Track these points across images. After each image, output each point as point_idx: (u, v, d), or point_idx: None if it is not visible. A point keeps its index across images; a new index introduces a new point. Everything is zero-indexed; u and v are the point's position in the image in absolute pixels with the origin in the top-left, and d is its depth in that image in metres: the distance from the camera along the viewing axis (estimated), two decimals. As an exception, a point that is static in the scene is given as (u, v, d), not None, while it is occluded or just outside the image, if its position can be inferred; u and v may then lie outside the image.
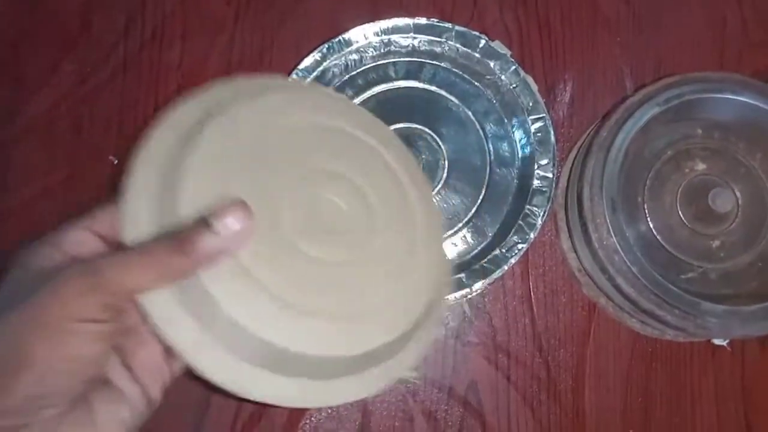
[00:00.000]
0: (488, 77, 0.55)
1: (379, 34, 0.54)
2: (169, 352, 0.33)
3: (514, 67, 0.54)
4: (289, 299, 0.30)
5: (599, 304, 0.53)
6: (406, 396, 0.52)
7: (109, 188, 0.54)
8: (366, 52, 0.55)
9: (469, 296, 0.51)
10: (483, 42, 0.54)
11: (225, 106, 0.34)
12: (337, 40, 0.54)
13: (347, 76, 0.55)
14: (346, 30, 0.54)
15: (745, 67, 0.54)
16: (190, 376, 0.31)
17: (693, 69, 0.51)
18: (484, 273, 0.51)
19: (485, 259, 0.52)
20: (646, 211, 0.51)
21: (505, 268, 0.51)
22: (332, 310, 0.32)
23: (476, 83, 0.55)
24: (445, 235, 0.54)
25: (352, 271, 0.34)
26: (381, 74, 0.56)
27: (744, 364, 0.52)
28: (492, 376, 0.52)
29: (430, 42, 0.55)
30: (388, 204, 0.36)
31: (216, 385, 0.30)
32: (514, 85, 0.54)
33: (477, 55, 0.54)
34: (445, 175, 0.54)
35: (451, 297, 0.50)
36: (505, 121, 0.55)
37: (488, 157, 0.55)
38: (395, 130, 0.55)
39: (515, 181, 0.54)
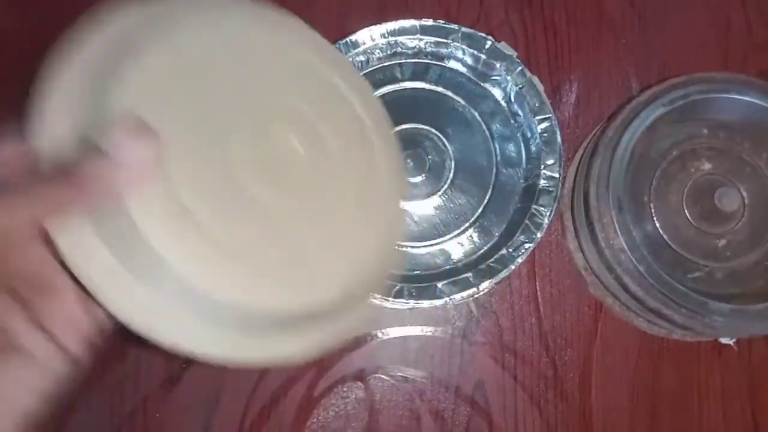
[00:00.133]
0: (494, 78, 0.55)
1: (386, 35, 0.55)
2: (88, 298, 0.28)
3: (520, 68, 0.54)
4: (224, 241, 0.27)
5: (606, 304, 0.53)
6: (413, 395, 0.52)
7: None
8: (373, 53, 0.55)
9: (476, 296, 0.51)
10: (489, 43, 0.54)
11: (176, 16, 0.30)
12: (344, 41, 0.54)
13: (354, 78, 0.56)
14: (353, 32, 0.54)
15: (749, 67, 0.54)
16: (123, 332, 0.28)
17: (698, 70, 0.51)
18: (491, 272, 0.51)
19: (492, 259, 0.52)
20: (653, 210, 0.51)
21: (512, 267, 0.51)
22: (272, 260, 0.29)
23: (482, 84, 0.56)
24: (452, 235, 0.54)
25: (300, 222, 0.31)
26: (388, 75, 0.56)
27: (751, 363, 0.52)
28: (499, 376, 0.53)
29: (437, 43, 0.55)
30: (349, 157, 0.34)
31: (131, 330, 0.27)
32: (521, 86, 0.54)
33: (483, 56, 0.55)
34: (451, 175, 0.55)
35: (458, 296, 0.51)
36: (512, 121, 0.55)
37: (495, 158, 0.55)
38: (402, 130, 0.55)
39: (521, 181, 0.55)
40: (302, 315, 0.29)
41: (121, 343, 0.53)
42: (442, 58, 0.56)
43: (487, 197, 0.55)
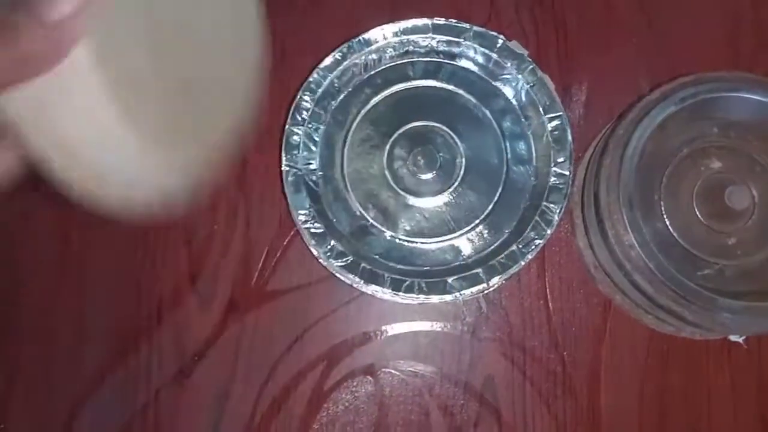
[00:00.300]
0: (505, 76, 0.56)
1: (398, 34, 0.55)
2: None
3: (531, 67, 0.55)
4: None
5: (615, 301, 0.53)
6: (423, 390, 0.53)
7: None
8: (385, 51, 0.56)
9: (486, 292, 0.52)
10: (500, 42, 0.55)
11: None
12: (356, 40, 0.55)
13: (366, 76, 0.56)
14: (366, 30, 0.55)
15: (759, 66, 0.54)
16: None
17: (708, 69, 0.51)
18: (501, 269, 0.51)
19: (502, 255, 0.52)
20: (663, 208, 0.51)
21: (522, 264, 0.51)
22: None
23: (493, 83, 0.56)
24: (462, 231, 0.54)
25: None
26: (400, 73, 0.57)
27: (761, 360, 0.52)
28: (508, 372, 0.53)
29: (448, 42, 0.56)
30: None
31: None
32: (531, 84, 0.54)
33: (494, 54, 0.55)
34: (462, 172, 0.55)
35: (468, 292, 0.51)
36: (522, 119, 0.56)
37: (505, 155, 0.56)
38: (413, 128, 0.56)
39: (532, 178, 0.55)
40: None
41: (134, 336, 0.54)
42: (453, 56, 0.56)
43: (498, 194, 0.55)
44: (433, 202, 0.55)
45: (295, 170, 0.52)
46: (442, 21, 0.55)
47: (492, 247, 0.54)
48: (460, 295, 0.51)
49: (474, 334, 0.53)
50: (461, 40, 0.55)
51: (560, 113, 0.54)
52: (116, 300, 0.54)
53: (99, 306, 0.54)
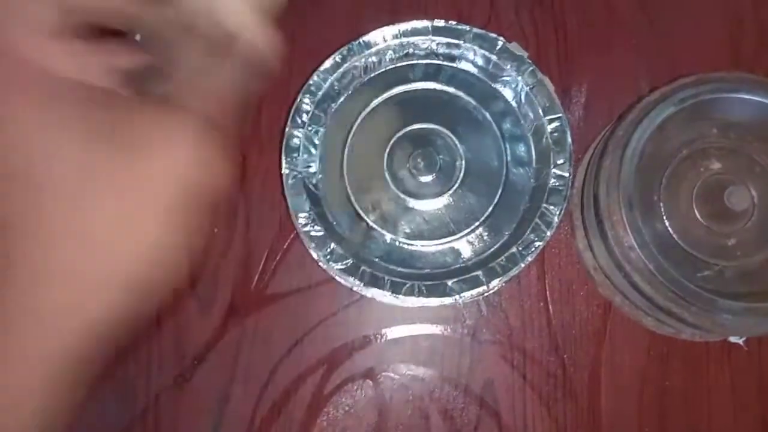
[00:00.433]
0: (505, 78, 0.56)
1: (398, 36, 0.55)
2: None
3: (531, 68, 0.54)
4: None
5: (615, 303, 0.53)
6: (423, 394, 0.53)
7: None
8: (385, 54, 0.56)
9: (486, 294, 0.52)
10: (500, 44, 0.55)
11: None
12: (356, 42, 0.55)
13: (366, 78, 0.56)
14: (366, 32, 0.55)
15: (760, 67, 0.54)
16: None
17: (708, 70, 0.51)
18: (501, 271, 0.51)
19: (502, 257, 0.52)
20: (662, 209, 0.51)
21: (522, 266, 0.51)
22: None
23: (493, 84, 0.56)
24: (462, 234, 0.54)
25: None
26: (400, 76, 0.57)
27: (761, 362, 0.52)
28: (508, 375, 0.53)
29: (448, 44, 0.55)
30: None
31: None
32: (531, 86, 0.54)
33: (494, 56, 0.55)
34: (462, 174, 0.55)
35: (468, 295, 0.51)
36: (522, 121, 0.56)
37: (505, 157, 0.56)
38: (414, 130, 0.56)
39: (532, 180, 0.55)
40: None
41: (133, 340, 0.53)
42: (453, 58, 0.56)
43: (498, 196, 0.55)
44: (433, 205, 0.55)
45: (295, 173, 0.52)
46: (441, 23, 0.55)
47: (492, 250, 0.54)
48: (460, 297, 0.51)
49: (474, 336, 0.53)
50: (461, 42, 0.55)
51: (560, 115, 0.54)
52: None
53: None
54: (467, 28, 0.55)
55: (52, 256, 0.25)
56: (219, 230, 0.55)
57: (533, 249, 0.52)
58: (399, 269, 0.53)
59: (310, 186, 0.53)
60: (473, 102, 0.57)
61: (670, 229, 0.51)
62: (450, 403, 0.52)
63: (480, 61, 0.56)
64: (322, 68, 0.55)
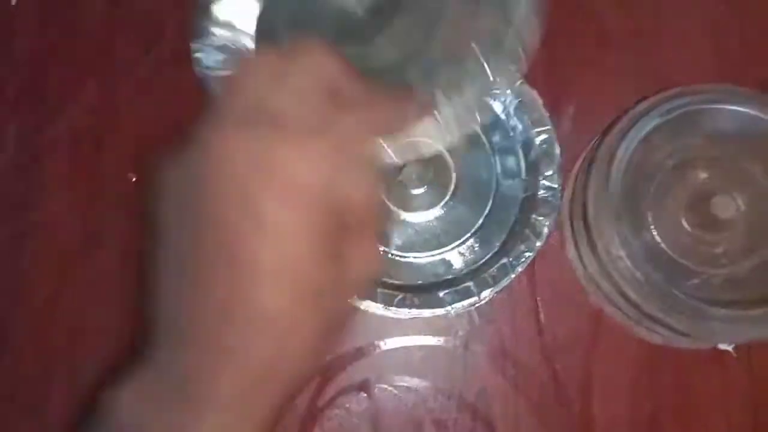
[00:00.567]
0: (494, 92, 0.56)
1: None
2: None
3: (519, 82, 0.55)
4: None
5: (605, 312, 0.54)
6: (416, 405, 0.53)
7: (128, 203, 0.56)
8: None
9: (477, 305, 0.52)
10: (489, 58, 0.56)
11: None
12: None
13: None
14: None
15: (745, 78, 0.54)
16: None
17: (695, 81, 0.52)
18: (492, 281, 0.52)
19: (493, 268, 0.52)
20: (650, 219, 0.52)
21: (513, 276, 0.52)
22: None
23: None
24: (453, 245, 0.55)
25: None
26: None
27: (750, 369, 0.52)
28: (500, 384, 0.53)
29: (437, 59, 0.56)
30: None
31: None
32: (520, 99, 0.55)
33: (483, 70, 0.56)
34: (453, 186, 0.56)
35: (460, 305, 0.51)
36: (511, 134, 0.56)
37: (495, 170, 0.56)
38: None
39: (521, 192, 0.55)
40: None
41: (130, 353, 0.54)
42: (442, 72, 0.57)
43: (488, 208, 0.56)
44: (424, 217, 0.56)
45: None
46: (430, 38, 0.56)
47: (483, 260, 0.54)
48: (452, 308, 0.51)
49: (466, 347, 0.54)
50: (450, 56, 0.56)
51: (548, 127, 0.54)
52: (113, 318, 0.54)
53: (95, 324, 0.55)
54: (456, 42, 0.56)
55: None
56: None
57: (524, 259, 0.52)
58: (390, 281, 0.53)
59: None
60: (463, 115, 0.57)
61: (658, 238, 0.52)
62: (444, 413, 0.53)
63: (469, 75, 0.57)
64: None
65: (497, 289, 0.52)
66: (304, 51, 0.30)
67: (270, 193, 0.26)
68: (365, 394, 0.53)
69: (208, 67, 0.44)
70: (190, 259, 0.27)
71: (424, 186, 0.56)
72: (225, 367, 0.26)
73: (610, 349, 0.53)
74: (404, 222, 0.55)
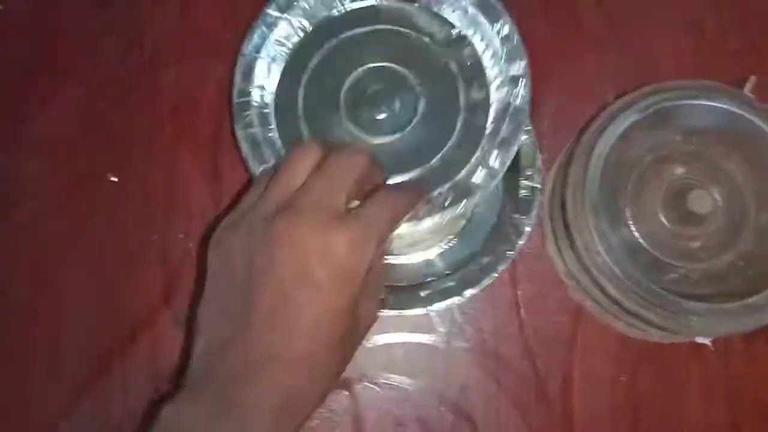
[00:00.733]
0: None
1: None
2: None
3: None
4: None
5: (586, 308, 0.54)
6: (398, 402, 0.53)
7: (108, 203, 0.56)
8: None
9: (459, 303, 0.52)
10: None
11: None
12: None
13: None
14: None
15: (722, 74, 0.55)
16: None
17: (671, 77, 0.52)
18: (474, 281, 0.52)
19: (474, 267, 0.53)
20: (628, 214, 0.52)
21: (494, 275, 0.52)
22: None
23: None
24: (435, 245, 0.55)
25: None
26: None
27: (728, 361, 0.53)
28: (482, 381, 0.53)
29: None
30: None
31: None
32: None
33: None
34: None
35: (442, 305, 0.52)
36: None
37: (476, 168, 0.56)
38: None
39: (502, 191, 0.56)
40: None
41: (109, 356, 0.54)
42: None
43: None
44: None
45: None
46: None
47: (464, 260, 0.55)
48: (433, 308, 0.51)
49: (448, 344, 0.54)
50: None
51: (528, 127, 0.55)
52: (92, 319, 0.54)
53: (75, 325, 0.54)
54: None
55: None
56: (193, 245, 0.55)
57: (505, 258, 0.53)
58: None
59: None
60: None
61: (636, 233, 0.52)
62: (425, 409, 0.53)
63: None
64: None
65: (479, 288, 0.52)
66: (342, 148, 0.38)
67: (324, 271, 0.34)
68: (347, 392, 0.53)
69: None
70: (241, 307, 0.35)
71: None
72: (266, 394, 0.33)
73: (590, 344, 0.53)
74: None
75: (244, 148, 0.44)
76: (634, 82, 0.53)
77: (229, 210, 0.40)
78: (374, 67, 0.46)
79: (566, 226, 0.50)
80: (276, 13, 0.46)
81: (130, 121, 0.58)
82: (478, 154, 0.44)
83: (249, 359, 0.33)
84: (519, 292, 0.54)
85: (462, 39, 0.46)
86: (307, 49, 0.46)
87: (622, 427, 0.52)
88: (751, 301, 0.46)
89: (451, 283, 0.53)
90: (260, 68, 0.46)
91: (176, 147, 0.58)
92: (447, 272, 0.54)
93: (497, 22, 0.46)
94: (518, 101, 0.45)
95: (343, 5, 0.47)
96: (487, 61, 0.46)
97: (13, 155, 0.57)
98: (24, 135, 0.58)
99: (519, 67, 0.46)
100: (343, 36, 0.47)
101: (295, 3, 0.46)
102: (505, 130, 0.44)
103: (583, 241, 0.48)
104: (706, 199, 0.50)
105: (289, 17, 0.46)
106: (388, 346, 0.54)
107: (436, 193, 0.42)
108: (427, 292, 0.52)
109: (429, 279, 0.54)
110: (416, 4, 0.46)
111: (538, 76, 0.58)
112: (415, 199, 0.40)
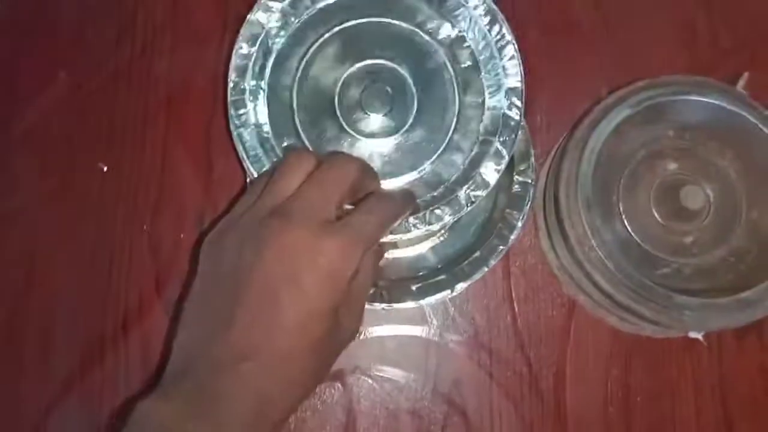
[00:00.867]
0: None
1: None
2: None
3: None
4: None
5: (578, 302, 0.54)
6: (391, 395, 0.53)
7: (99, 194, 0.56)
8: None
9: (451, 296, 0.52)
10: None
11: None
12: None
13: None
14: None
15: (714, 71, 0.55)
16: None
17: (664, 73, 0.53)
18: (466, 274, 0.52)
19: (466, 261, 0.53)
20: (621, 209, 0.52)
21: (486, 269, 0.52)
22: None
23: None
24: (428, 240, 0.55)
25: None
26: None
27: (720, 356, 0.53)
28: (475, 374, 0.53)
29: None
30: None
31: None
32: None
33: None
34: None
35: (434, 299, 0.52)
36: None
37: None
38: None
39: (495, 187, 0.55)
40: None
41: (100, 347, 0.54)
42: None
43: (463, 203, 0.56)
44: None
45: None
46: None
47: (456, 254, 0.55)
48: (425, 301, 0.51)
49: (441, 337, 0.54)
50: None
51: (522, 123, 0.54)
52: (84, 310, 0.54)
53: (66, 316, 0.54)
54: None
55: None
56: (185, 235, 0.55)
57: (497, 252, 0.52)
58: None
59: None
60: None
61: (628, 228, 0.52)
62: (418, 402, 0.53)
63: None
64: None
65: (471, 282, 0.52)
66: (335, 156, 0.40)
67: (310, 275, 0.34)
68: (339, 384, 0.53)
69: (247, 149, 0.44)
70: (226, 302, 0.35)
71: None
72: (241, 395, 0.33)
73: (582, 338, 0.54)
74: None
75: (240, 149, 0.44)
76: (627, 78, 0.53)
77: (224, 215, 0.40)
78: (370, 64, 0.46)
79: (559, 221, 0.50)
80: (271, 3, 0.46)
81: (122, 111, 0.58)
82: (467, 165, 0.45)
83: (226, 357, 0.34)
84: (512, 286, 0.55)
85: (461, 39, 0.46)
86: (303, 42, 0.46)
87: (614, 420, 0.52)
88: (743, 296, 0.46)
89: (443, 277, 0.52)
90: (255, 62, 0.46)
91: (168, 137, 0.57)
92: (439, 266, 0.54)
93: (496, 25, 0.46)
94: (512, 112, 0.46)
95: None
96: (483, 66, 0.46)
97: (3, 147, 0.57)
98: (13, 126, 0.57)
99: (515, 80, 0.46)
100: (338, 28, 0.47)
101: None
102: (498, 141, 0.45)
103: (576, 235, 0.49)
104: (699, 195, 0.50)
105: (284, 6, 0.46)
106: (381, 339, 0.54)
107: (427, 197, 0.43)
108: (418, 285, 0.52)
109: (421, 273, 0.54)
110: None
111: (530, 72, 0.58)
112: (404, 207, 0.41)
